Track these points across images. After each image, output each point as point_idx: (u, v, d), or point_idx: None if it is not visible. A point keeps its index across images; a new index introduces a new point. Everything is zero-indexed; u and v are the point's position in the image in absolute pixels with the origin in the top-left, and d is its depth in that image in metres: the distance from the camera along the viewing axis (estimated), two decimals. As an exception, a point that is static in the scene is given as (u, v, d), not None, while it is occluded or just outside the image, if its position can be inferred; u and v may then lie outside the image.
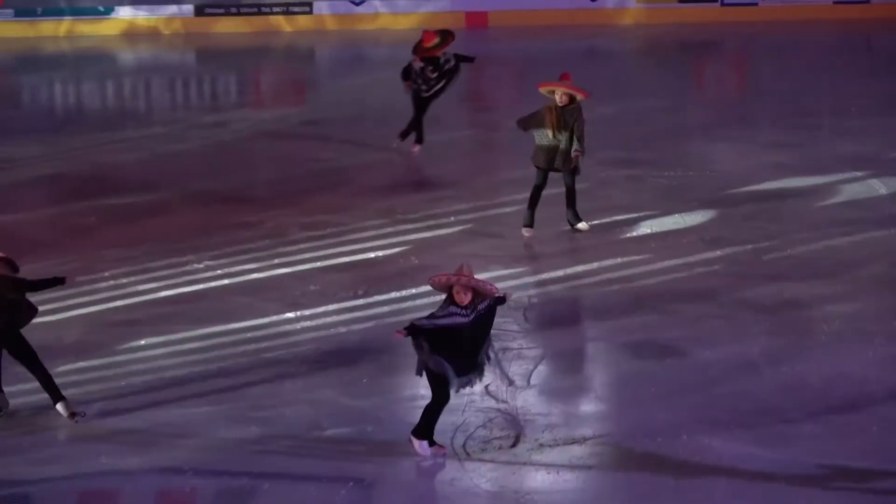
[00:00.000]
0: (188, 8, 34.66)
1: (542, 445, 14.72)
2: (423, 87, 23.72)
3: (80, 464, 15.31)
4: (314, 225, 22.37)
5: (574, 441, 14.89)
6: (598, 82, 27.75)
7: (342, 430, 15.73)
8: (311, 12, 35.52)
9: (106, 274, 20.03)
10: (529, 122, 20.72)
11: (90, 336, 18.38)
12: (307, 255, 21.28)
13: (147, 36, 34.30)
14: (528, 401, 15.87)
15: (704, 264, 20.49)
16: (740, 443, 14.85)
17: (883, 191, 24.07)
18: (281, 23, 35.97)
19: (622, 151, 25.46)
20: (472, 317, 14.24)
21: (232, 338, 18.38)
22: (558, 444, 14.70)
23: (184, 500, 14.70)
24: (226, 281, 20.23)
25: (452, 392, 14.49)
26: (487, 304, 14.45)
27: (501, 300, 14.70)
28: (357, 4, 33.86)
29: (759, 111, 30.42)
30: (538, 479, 14.34)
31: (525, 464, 14.58)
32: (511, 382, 16.19)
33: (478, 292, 14.34)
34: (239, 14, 35.73)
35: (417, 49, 23.73)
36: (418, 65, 23.63)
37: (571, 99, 20.25)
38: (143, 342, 18.13)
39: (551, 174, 20.72)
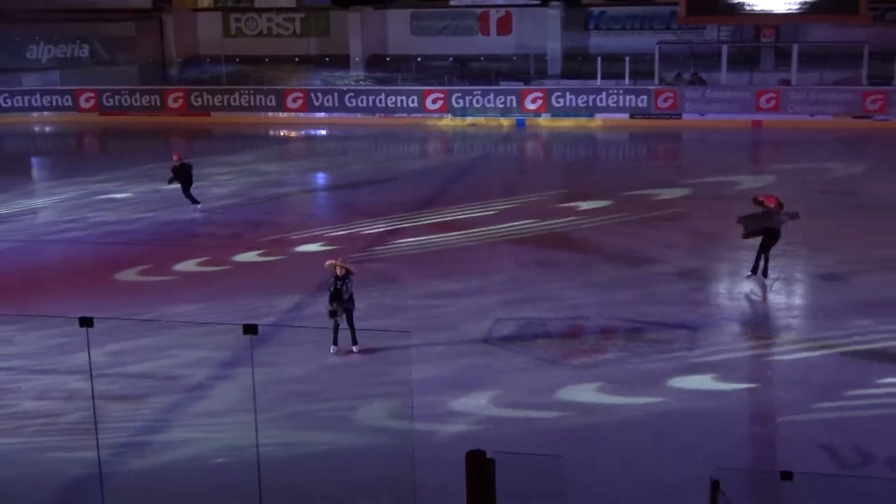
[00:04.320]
0: (625, 114, 32.60)
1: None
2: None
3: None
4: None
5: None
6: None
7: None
8: (680, 117, 31.96)
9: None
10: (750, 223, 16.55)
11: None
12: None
13: (606, 128, 32.82)
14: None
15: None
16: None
17: None
18: (671, 123, 32.15)
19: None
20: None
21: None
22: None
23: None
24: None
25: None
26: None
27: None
28: (702, 115, 33.22)
29: None
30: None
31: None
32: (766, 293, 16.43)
33: (348, 270, 13.48)
34: (645, 118, 32.19)
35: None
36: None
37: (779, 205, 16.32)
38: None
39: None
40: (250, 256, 19.07)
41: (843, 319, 15.10)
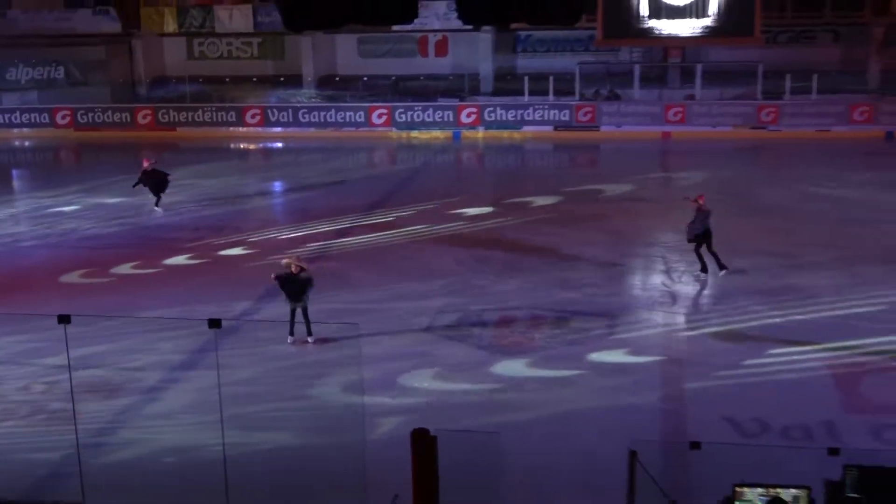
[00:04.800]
0: (549, 127, 32.52)
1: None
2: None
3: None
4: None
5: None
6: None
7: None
8: (598, 129, 31.85)
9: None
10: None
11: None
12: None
13: (532, 139, 32.60)
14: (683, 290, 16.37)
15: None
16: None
17: None
18: (590, 135, 31.97)
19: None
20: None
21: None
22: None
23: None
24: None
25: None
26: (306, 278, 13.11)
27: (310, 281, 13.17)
28: (618, 127, 33.43)
29: None
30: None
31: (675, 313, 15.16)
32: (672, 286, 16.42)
33: (302, 268, 13.25)
34: (567, 130, 31.92)
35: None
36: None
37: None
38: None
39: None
40: (208, 257, 18.69)
41: (742, 303, 15.21)
